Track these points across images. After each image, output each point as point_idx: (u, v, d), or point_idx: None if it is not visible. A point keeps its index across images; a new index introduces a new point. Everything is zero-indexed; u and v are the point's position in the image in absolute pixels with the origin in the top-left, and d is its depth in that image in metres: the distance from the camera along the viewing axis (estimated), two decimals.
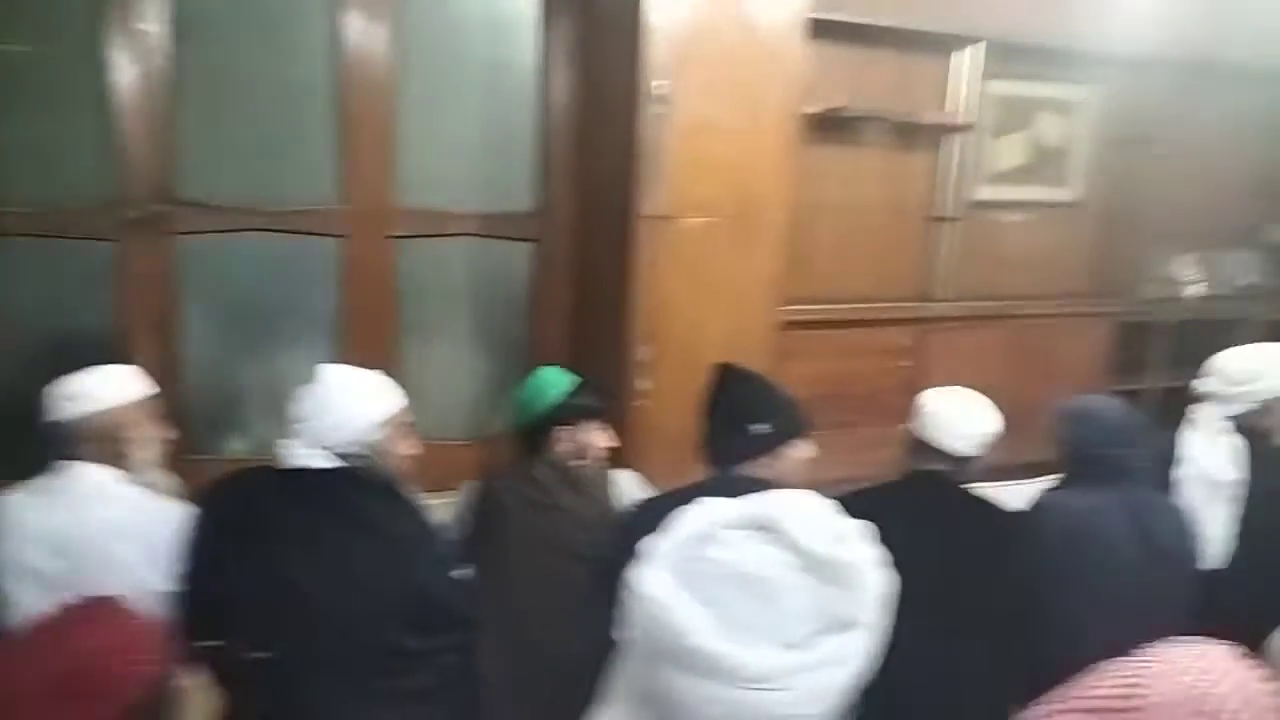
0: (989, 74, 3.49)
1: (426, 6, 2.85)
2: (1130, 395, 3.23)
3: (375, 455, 1.75)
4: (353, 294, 2.89)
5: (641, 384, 2.74)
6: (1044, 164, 3.80)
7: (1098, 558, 1.91)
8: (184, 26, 2.60)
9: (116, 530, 1.63)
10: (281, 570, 1.62)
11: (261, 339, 2.87)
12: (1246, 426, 2.15)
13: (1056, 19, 3.40)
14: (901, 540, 1.81)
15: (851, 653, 0.78)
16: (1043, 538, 1.92)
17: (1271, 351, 2.23)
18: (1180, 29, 3.51)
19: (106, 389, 1.74)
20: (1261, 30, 3.67)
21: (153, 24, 2.57)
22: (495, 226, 3.04)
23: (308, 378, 1.77)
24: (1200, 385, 2.23)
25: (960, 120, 3.47)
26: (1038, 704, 1.06)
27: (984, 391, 2.03)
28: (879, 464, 2.14)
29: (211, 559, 1.64)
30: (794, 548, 0.77)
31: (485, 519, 2.02)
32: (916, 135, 3.47)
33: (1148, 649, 0.99)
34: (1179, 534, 1.98)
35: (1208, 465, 2.10)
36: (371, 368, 1.88)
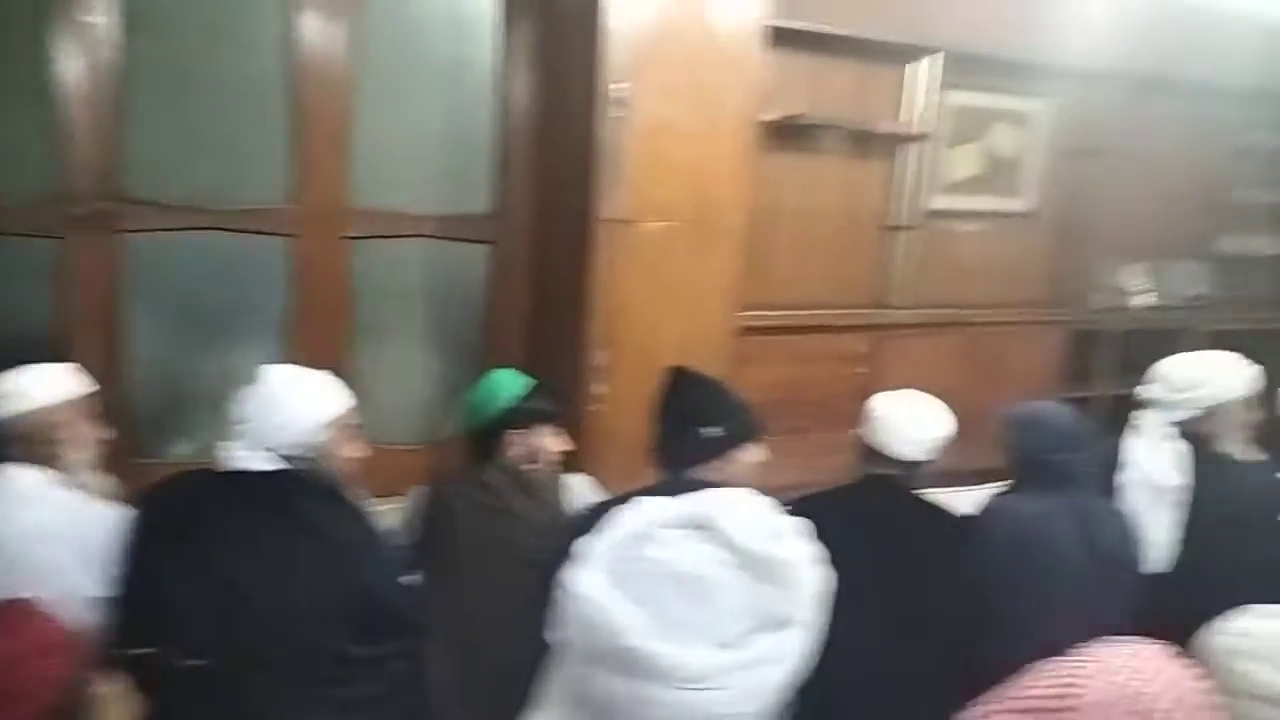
0: (945, 84, 3.53)
1: (385, 5, 2.82)
2: (1080, 402, 3.28)
3: (320, 458, 1.72)
4: (304, 295, 2.85)
5: (598, 388, 2.73)
6: (998, 174, 3.85)
7: (1044, 562, 1.93)
8: (133, 19, 2.55)
9: (46, 533, 1.58)
10: (221, 574, 1.58)
11: (211, 340, 2.81)
12: (1190, 433, 2.19)
13: (1012, 31, 3.46)
14: (851, 544, 1.81)
15: (787, 651, 0.77)
16: (990, 542, 1.94)
17: (1214, 359, 2.27)
18: (1133, 43, 3.60)
19: (39, 387, 1.69)
20: (1212, 45, 3.77)
21: (100, 16, 2.51)
22: (452, 228, 3.02)
23: (251, 378, 1.74)
24: (1144, 391, 2.26)
25: (916, 130, 3.51)
26: (975, 704, 1.07)
27: (938, 398, 2.05)
28: (832, 470, 2.15)
29: (147, 563, 1.59)
30: (729, 546, 0.77)
31: (434, 524, 1.99)
32: (873, 144, 3.50)
33: (1083, 649, 1.00)
34: (1123, 539, 2.01)
35: (1151, 470, 2.13)
36: (322, 370, 1.84)
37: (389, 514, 2.00)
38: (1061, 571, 1.93)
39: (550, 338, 2.98)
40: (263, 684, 1.56)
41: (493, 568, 1.92)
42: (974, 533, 1.97)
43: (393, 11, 2.84)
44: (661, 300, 2.78)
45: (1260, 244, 4.42)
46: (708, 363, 2.22)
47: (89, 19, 2.50)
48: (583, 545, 0.82)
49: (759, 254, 3.10)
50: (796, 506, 1.86)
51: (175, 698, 1.51)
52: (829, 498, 1.95)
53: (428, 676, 1.77)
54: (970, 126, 3.75)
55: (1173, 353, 2.36)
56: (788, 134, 3.28)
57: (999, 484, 2.11)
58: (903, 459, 1.96)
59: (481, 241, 3.06)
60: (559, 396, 2.23)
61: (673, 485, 1.74)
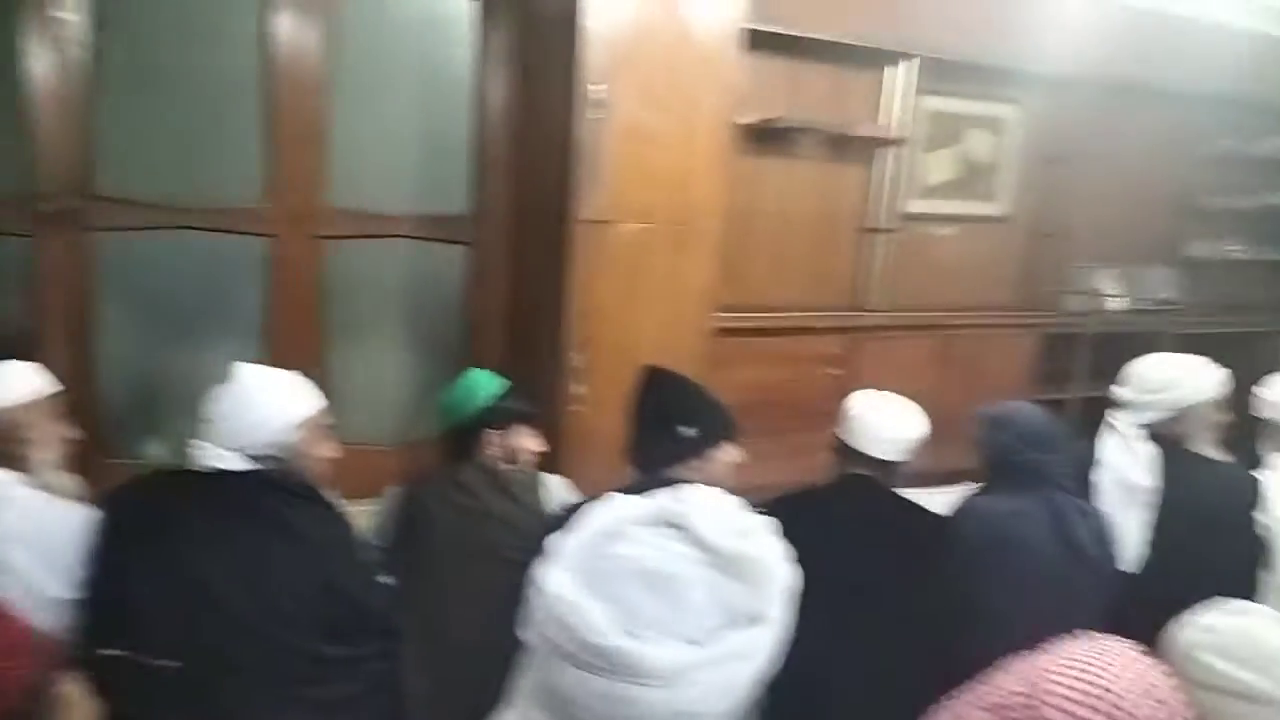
0: (921, 89, 3.56)
1: (361, 4, 2.81)
2: (1053, 404, 3.31)
3: (291, 458, 1.70)
4: (279, 295, 2.83)
5: (576, 389, 2.72)
6: (973, 179, 3.89)
7: (1019, 560, 1.95)
8: (104, 15, 2.53)
9: (10, 534, 1.55)
10: (193, 575, 1.56)
11: (184, 340, 2.79)
12: (1160, 434, 2.21)
13: (988, 38, 3.49)
14: (827, 542, 1.82)
15: (757, 648, 0.77)
16: (965, 541, 1.95)
17: (1185, 361, 2.29)
18: (1106, 51, 3.64)
19: (3, 387, 1.66)
20: (1184, 53, 3.83)
21: (71, 12, 2.48)
22: (429, 229, 3.00)
23: (224, 377, 1.72)
24: (1117, 392, 2.29)
25: (893, 134, 3.54)
26: (944, 700, 1.07)
27: (913, 400, 2.06)
28: (809, 470, 2.15)
29: (114, 564, 1.57)
30: (699, 543, 0.76)
31: (410, 525, 1.98)
32: (850, 148, 3.53)
33: (1050, 646, 1.01)
34: (1097, 537, 2.03)
35: (1124, 469, 2.15)
36: (297, 370, 1.83)
37: (365, 515, 1.98)
38: (1036, 570, 1.95)
39: (528, 338, 2.97)
40: (233, 685, 1.54)
41: (470, 568, 1.90)
42: (949, 531, 1.98)
43: (369, 11, 2.82)
44: (639, 301, 2.78)
45: (1229, 249, 4.49)
46: (685, 363, 2.22)
47: (59, 15, 2.47)
48: (553, 543, 0.82)
49: (736, 256, 3.11)
50: (774, 505, 1.87)
51: (144, 699, 1.49)
52: (808, 496, 1.95)
53: (404, 677, 1.75)
54: (946, 131, 3.78)
55: (1144, 355, 2.39)
56: (765, 137, 3.30)
57: (973, 484, 2.13)
58: (879, 459, 1.97)
59: (459, 242, 3.05)
60: (534, 397, 2.22)
61: (648, 485, 1.73)
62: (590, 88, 2.58)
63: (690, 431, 1.79)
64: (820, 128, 3.40)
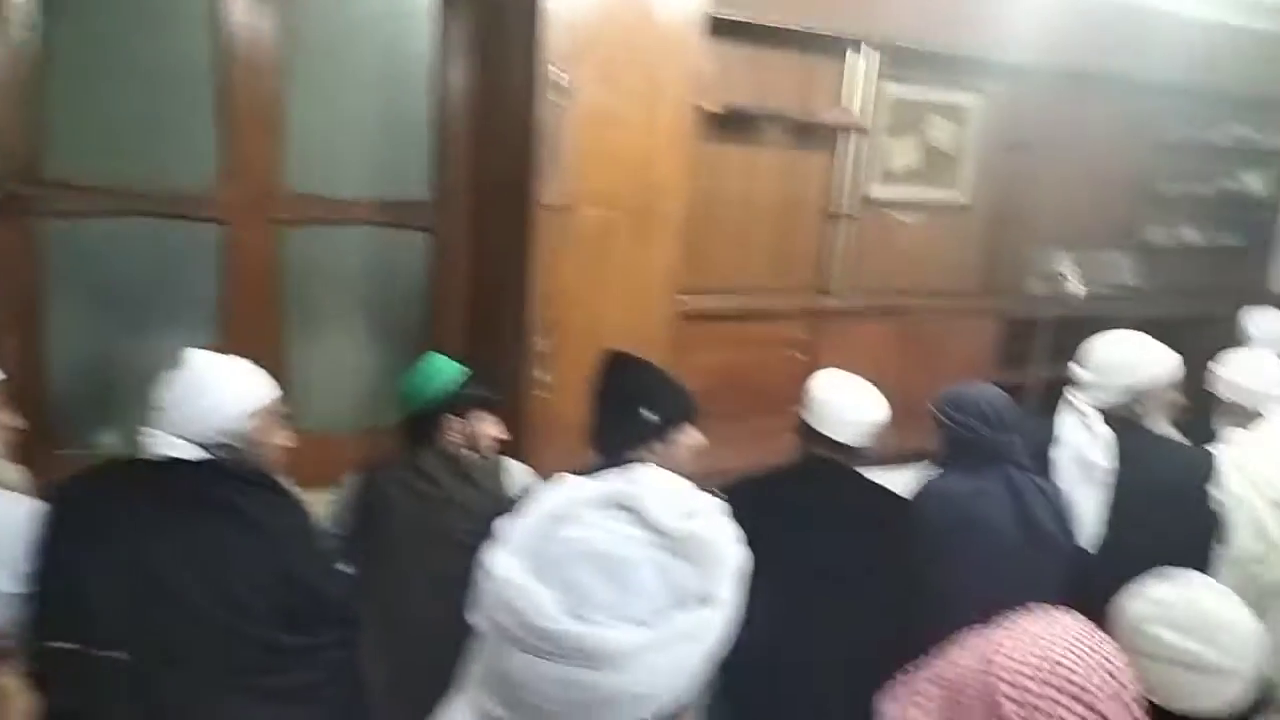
0: (884, 76, 3.57)
1: None
2: (1014, 387, 3.34)
3: (245, 446, 1.67)
4: (235, 282, 2.78)
5: (540, 374, 2.71)
6: (935, 166, 3.92)
7: (979, 539, 1.97)
8: None
9: None
10: (144, 566, 1.53)
11: (136, 327, 2.73)
12: (1116, 414, 2.24)
13: (949, 27, 3.51)
14: (790, 524, 1.83)
15: (706, 629, 0.76)
16: (925, 520, 1.97)
17: (1142, 342, 2.32)
18: (1066, 40, 3.68)
19: None
20: (1142, 42, 3.87)
21: None
22: (390, 215, 2.97)
23: (175, 364, 1.68)
24: (1075, 371, 2.31)
25: (856, 120, 3.54)
26: (899, 676, 1.08)
27: (875, 383, 2.07)
28: (772, 454, 2.16)
29: (63, 557, 1.53)
30: (647, 524, 0.76)
31: (369, 512, 1.96)
32: (813, 134, 3.53)
33: (1004, 620, 1.02)
34: (1057, 515, 2.05)
35: (1081, 447, 2.18)
36: (254, 358, 1.79)
37: (324, 503, 1.95)
38: (998, 549, 1.97)
39: (490, 324, 2.95)
40: (183, 676, 1.52)
41: (430, 554, 1.89)
42: (910, 511, 2.00)
43: None
44: (602, 286, 2.77)
45: (1186, 235, 4.57)
46: (648, 348, 2.21)
47: None
48: (502, 526, 0.81)
49: (699, 241, 3.11)
50: (737, 487, 1.87)
51: (90, 693, 1.46)
52: (771, 479, 1.96)
53: (364, 664, 1.74)
54: (907, 119, 3.80)
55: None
56: (729, 123, 3.29)
57: (931, 463, 2.15)
58: (841, 441, 1.98)
59: (420, 228, 3.02)
60: (495, 383, 2.20)
61: (606, 467, 1.73)
62: (552, 72, 2.55)
63: (652, 415, 1.79)
64: (783, 114, 3.40)
